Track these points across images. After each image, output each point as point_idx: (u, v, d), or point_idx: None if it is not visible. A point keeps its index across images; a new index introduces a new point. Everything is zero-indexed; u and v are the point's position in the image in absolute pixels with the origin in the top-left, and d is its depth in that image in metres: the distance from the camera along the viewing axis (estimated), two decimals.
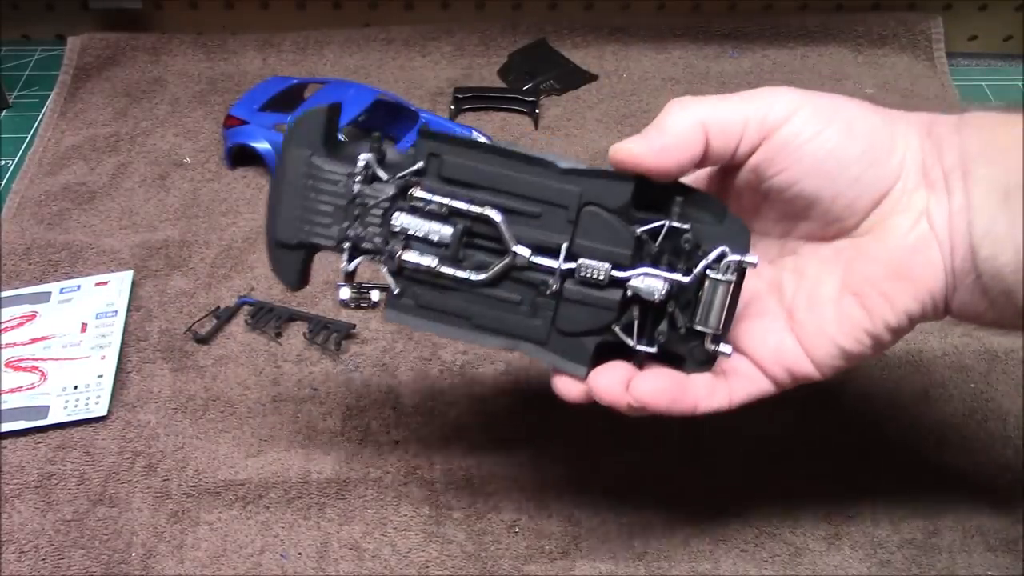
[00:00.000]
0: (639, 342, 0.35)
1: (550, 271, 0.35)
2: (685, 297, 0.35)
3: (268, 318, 0.56)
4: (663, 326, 0.35)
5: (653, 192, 0.35)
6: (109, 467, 0.49)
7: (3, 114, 0.75)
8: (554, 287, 0.35)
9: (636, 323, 0.35)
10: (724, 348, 0.35)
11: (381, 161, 0.37)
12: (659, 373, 0.35)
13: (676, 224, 0.34)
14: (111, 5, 0.82)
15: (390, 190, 0.36)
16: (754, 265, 0.34)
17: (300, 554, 0.45)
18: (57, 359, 0.53)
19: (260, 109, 0.67)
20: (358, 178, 0.37)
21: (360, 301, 0.57)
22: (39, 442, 0.50)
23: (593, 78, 0.77)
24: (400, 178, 0.36)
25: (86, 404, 0.51)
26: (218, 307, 0.57)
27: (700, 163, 0.35)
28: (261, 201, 0.65)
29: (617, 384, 0.35)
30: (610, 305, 0.35)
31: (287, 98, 0.70)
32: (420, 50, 0.79)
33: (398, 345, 0.55)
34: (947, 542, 0.45)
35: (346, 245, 0.38)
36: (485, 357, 0.54)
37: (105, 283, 0.58)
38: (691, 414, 0.35)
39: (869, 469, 0.48)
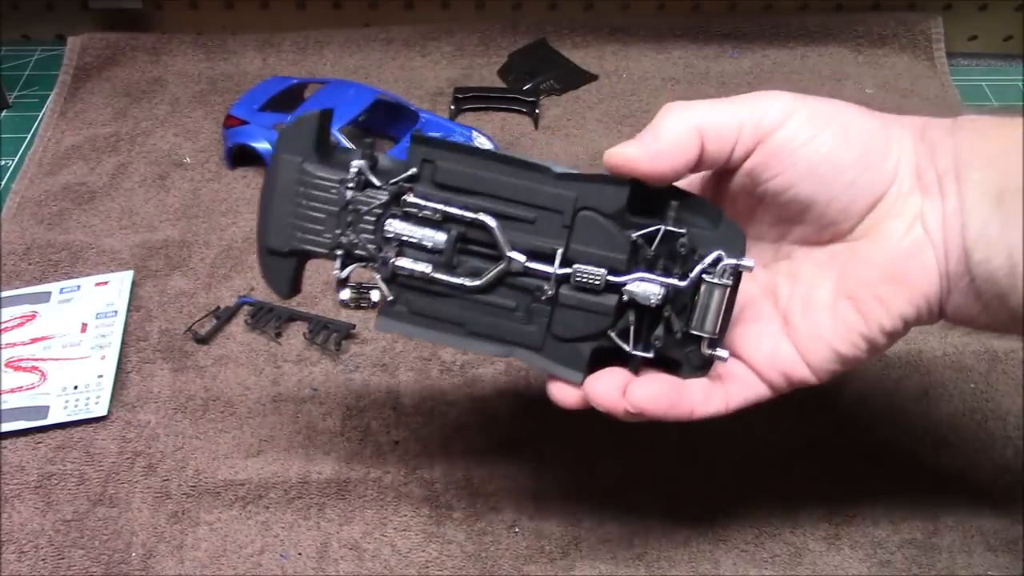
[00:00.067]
0: (635, 347, 0.35)
1: (545, 276, 0.35)
2: (681, 302, 0.35)
3: (268, 318, 0.56)
4: (659, 331, 0.35)
5: (648, 197, 0.35)
6: (109, 467, 0.49)
7: (3, 114, 0.75)
8: (549, 292, 0.35)
9: (632, 328, 0.35)
10: (721, 353, 0.35)
11: (374, 167, 0.37)
12: (655, 378, 0.35)
13: (672, 228, 0.34)
14: (111, 5, 0.82)
15: (383, 196, 0.36)
16: (750, 269, 0.34)
17: (300, 554, 0.45)
18: (57, 359, 0.53)
19: (260, 109, 0.67)
20: (351, 184, 0.36)
21: (360, 301, 0.57)
22: (39, 442, 0.50)
23: (593, 78, 0.77)
24: (393, 184, 0.36)
25: (86, 404, 0.51)
26: (218, 307, 0.57)
27: (695, 167, 0.35)
28: None
29: (613, 390, 0.35)
30: (606, 310, 0.35)
31: (287, 98, 0.70)
32: (420, 50, 0.79)
33: (398, 345, 0.55)
34: (947, 542, 0.46)
35: (339, 252, 0.37)
36: (485, 358, 0.54)
37: (105, 283, 0.58)
38: (688, 419, 0.35)
39: (869, 469, 0.48)
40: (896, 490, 0.47)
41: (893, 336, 0.35)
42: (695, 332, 0.35)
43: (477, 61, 0.79)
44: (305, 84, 0.72)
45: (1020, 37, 0.82)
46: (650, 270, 0.35)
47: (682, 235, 0.34)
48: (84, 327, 0.55)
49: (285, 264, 0.38)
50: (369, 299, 0.57)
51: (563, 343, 0.36)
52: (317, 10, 0.83)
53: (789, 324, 0.36)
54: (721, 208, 0.36)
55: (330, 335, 0.55)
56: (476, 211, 0.35)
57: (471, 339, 0.37)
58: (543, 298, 0.35)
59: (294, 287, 0.39)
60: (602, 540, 0.46)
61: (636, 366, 0.36)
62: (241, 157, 0.67)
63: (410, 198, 0.36)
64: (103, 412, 0.51)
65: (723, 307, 0.34)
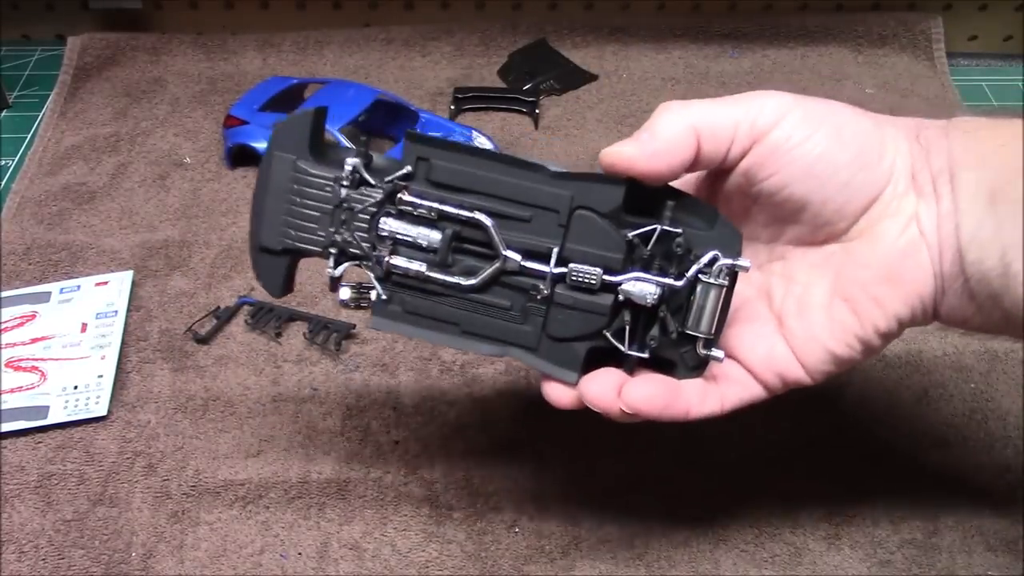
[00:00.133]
0: (631, 347, 0.35)
1: (541, 276, 0.35)
2: (676, 302, 0.35)
3: (268, 318, 0.56)
4: (655, 331, 0.35)
5: (644, 196, 0.35)
6: (109, 467, 0.49)
7: (3, 114, 0.75)
8: (545, 292, 0.35)
9: (628, 328, 0.35)
10: (716, 353, 0.35)
11: (368, 165, 0.36)
12: (651, 379, 0.35)
13: (668, 228, 0.34)
14: (111, 5, 0.82)
15: (378, 194, 0.36)
16: (746, 269, 0.34)
17: (300, 554, 0.45)
18: (57, 359, 0.53)
19: (260, 109, 0.67)
20: (345, 182, 0.36)
21: (360, 301, 0.57)
22: (39, 442, 0.50)
23: (593, 78, 0.77)
24: (388, 182, 0.36)
25: (86, 404, 0.51)
26: (218, 307, 0.57)
27: (691, 167, 0.34)
28: None
29: (609, 390, 0.35)
30: (601, 310, 0.35)
31: (287, 98, 0.70)
32: (420, 50, 0.79)
33: (398, 345, 0.55)
34: (947, 542, 0.46)
35: (332, 250, 0.37)
36: (485, 358, 0.54)
37: (105, 283, 0.58)
38: (683, 420, 0.35)
39: (869, 469, 0.48)
40: (896, 490, 0.47)
41: (888, 337, 0.35)
42: (691, 332, 0.35)
43: (477, 61, 0.79)
44: (305, 84, 0.72)
45: (1020, 37, 0.82)
46: (646, 270, 0.34)
47: (678, 235, 0.34)
48: (84, 327, 0.55)
49: (278, 262, 0.38)
50: (369, 299, 0.56)
51: (558, 343, 0.36)
52: (317, 10, 0.83)
53: (784, 325, 0.36)
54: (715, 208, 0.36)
55: (330, 335, 0.55)
56: (471, 210, 0.35)
57: (466, 338, 0.37)
58: (538, 297, 0.35)
59: (287, 286, 0.39)
60: (602, 540, 0.46)
61: (631, 366, 0.36)
62: (241, 157, 0.68)
63: (405, 196, 0.36)
64: (103, 412, 0.51)
65: (719, 307, 0.34)
